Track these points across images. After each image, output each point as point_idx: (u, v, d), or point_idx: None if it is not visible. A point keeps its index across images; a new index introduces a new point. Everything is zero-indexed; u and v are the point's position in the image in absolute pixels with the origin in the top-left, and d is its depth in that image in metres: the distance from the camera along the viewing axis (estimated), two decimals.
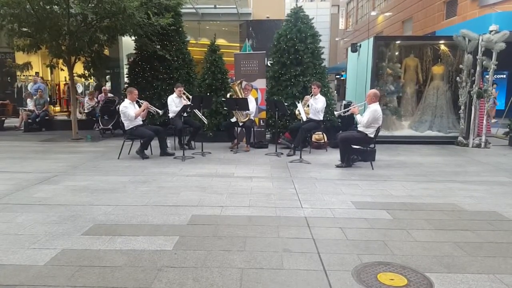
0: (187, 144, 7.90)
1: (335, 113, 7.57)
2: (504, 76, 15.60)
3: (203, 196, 4.54)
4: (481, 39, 8.18)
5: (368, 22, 27.52)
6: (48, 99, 12.19)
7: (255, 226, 3.57)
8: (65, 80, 17.11)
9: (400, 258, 2.92)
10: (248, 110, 7.58)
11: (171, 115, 7.73)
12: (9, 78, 17.04)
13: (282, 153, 7.36)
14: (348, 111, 6.80)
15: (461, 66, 8.54)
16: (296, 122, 7.92)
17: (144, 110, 7.03)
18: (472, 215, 3.95)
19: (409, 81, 9.39)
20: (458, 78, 8.67)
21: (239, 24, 21.27)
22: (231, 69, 9.48)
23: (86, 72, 9.89)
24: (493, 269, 2.75)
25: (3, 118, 11.95)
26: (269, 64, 9.42)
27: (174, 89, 7.93)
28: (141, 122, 7.12)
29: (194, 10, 17.77)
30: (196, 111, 7.46)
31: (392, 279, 2.60)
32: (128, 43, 13.73)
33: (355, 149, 6.29)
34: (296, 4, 8.67)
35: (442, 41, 9.29)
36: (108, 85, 16.94)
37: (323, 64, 8.88)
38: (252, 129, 8.09)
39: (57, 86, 17.91)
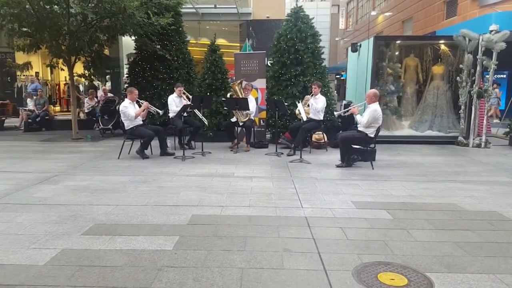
0: (187, 144, 7.90)
1: (335, 113, 7.57)
2: (504, 76, 15.59)
3: (203, 196, 4.54)
4: (481, 39, 8.18)
5: (368, 22, 27.52)
6: (45, 98, 12.17)
7: (255, 226, 3.56)
8: (65, 80, 17.12)
9: (400, 258, 2.92)
10: (248, 110, 7.58)
11: (171, 115, 7.73)
12: (9, 78, 17.04)
13: (282, 153, 7.36)
14: (348, 111, 6.80)
15: (461, 66, 8.54)
16: (296, 122, 7.91)
17: (144, 110, 7.03)
18: (473, 215, 3.95)
19: (409, 81, 9.39)
20: (458, 78, 8.67)
21: (239, 24, 21.27)
22: (231, 69, 9.48)
23: (86, 72, 9.89)
24: (493, 269, 2.75)
25: (3, 118, 11.95)
26: (269, 64, 9.42)
27: (174, 89, 7.93)
28: (141, 122, 7.12)
29: (194, 10, 17.76)
30: (196, 111, 7.46)
31: (392, 279, 2.60)
32: (128, 43, 13.73)
33: (355, 149, 6.29)
34: (296, 4, 8.67)
35: (442, 41, 9.29)
36: (108, 85, 16.94)
37: (323, 64, 8.88)
38: (252, 129, 8.09)
39: (57, 86, 17.93)
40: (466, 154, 7.64)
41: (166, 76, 9.99)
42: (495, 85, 13.91)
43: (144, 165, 6.35)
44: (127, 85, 10.48)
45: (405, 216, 3.88)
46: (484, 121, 8.57)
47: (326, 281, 2.57)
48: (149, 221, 3.67)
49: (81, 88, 15.45)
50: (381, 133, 6.63)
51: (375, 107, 6.04)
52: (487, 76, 8.51)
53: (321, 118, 7.59)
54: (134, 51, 10.43)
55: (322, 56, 8.87)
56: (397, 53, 9.33)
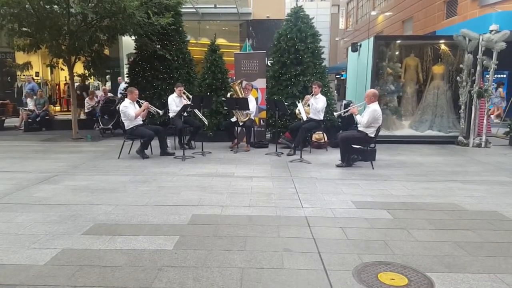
0: (187, 144, 7.90)
1: (335, 114, 7.55)
2: (505, 75, 15.57)
3: (204, 195, 4.54)
4: (481, 39, 8.17)
5: (369, 21, 27.52)
6: (45, 98, 12.17)
7: (256, 225, 3.56)
8: (65, 80, 17.12)
9: (400, 257, 2.92)
10: (248, 109, 7.58)
11: (171, 114, 7.72)
12: (9, 78, 17.05)
13: (282, 153, 7.36)
14: (347, 111, 6.79)
15: (461, 65, 8.54)
16: (296, 121, 7.91)
17: (144, 110, 7.03)
18: (473, 215, 3.95)
19: (410, 81, 9.39)
20: (458, 78, 8.66)
21: (239, 24, 21.29)
22: (231, 69, 9.48)
23: (86, 71, 9.89)
24: (494, 269, 2.75)
25: (3, 118, 11.95)
26: (269, 64, 9.41)
27: (174, 88, 7.92)
28: (141, 122, 7.11)
29: (194, 10, 17.77)
30: (196, 111, 7.46)
31: (392, 279, 2.60)
32: (128, 42, 13.74)
33: (356, 148, 6.29)
34: (296, 4, 8.66)
35: (442, 41, 9.28)
36: (108, 85, 16.96)
37: (323, 64, 8.88)
38: (252, 128, 8.09)
39: (57, 86, 17.93)
40: (466, 154, 7.64)
41: (166, 76, 9.99)
42: (499, 85, 13.90)
43: (144, 165, 6.35)
44: (126, 84, 10.47)
45: (405, 216, 3.88)
46: (484, 121, 8.57)
47: (326, 281, 2.57)
48: (149, 221, 3.67)
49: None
50: (381, 133, 6.63)
51: (375, 107, 6.03)
52: (487, 76, 8.51)
53: (321, 118, 7.59)
54: (134, 51, 10.43)
55: (322, 56, 8.87)
56: (397, 53, 9.33)
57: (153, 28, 9.03)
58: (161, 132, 7.10)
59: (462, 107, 8.67)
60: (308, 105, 7.61)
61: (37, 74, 16.98)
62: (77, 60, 9.46)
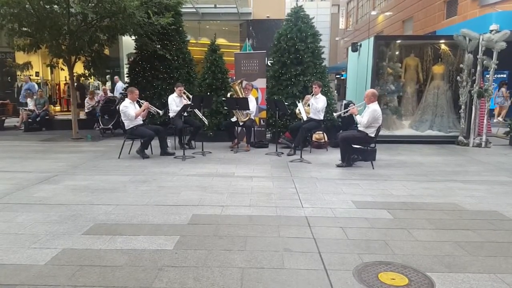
0: (188, 144, 7.90)
1: (334, 114, 7.54)
2: (505, 75, 15.57)
3: (204, 195, 4.54)
4: (481, 39, 8.17)
5: (369, 21, 27.51)
6: (46, 98, 12.17)
7: (256, 225, 3.56)
8: (65, 80, 17.12)
9: (401, 257, 2.91)
10: (249, 109, 7.57)
11: (171, 114, 7.72)
12: (9, 77, 17.05)
13: (282, 153, 7.36)
14: (347, 111, 6.79)
15: (461, 65, 8.54)
16: (296, 121, 7.91)
17: (144, 110, 7.03)
18: (473, 215, 3.95)
19: (410, 81, 9.39)
20: (458, 78, 8.66)
21: (239, 24, 21.29)
22: (231, 69, 9.48)
23: (86, 71, 9.89)
24: (494, 269, 2.75)
25: (3, 118, 11.95)
26: (269, 64, 9.41)
27: (175, 88, 7.92)
28: (141, 122, 7.11)
29: (194, 10, 17.77)
30: (197, 111, 7.46)
31: (393, 279, 2.59)
32: (128, 42, 13.74)
33: (356, 148, 6.29)
34: (297, 4, 8.66)
35: (442, 41, 9.28)
36: (108, 85, 16.95)
37: (323, 64, 8.88)
38: (253, 128, 8.08)
39: (57, 86, 17.93)
40: (466, 154, 7.64)
41: (166, 76, 10.00)
42: (502, 85, 13.88)
43: (144, 164, 6.35)
44: (123, 84, 10.46)
45: (405, 216, 3.88)
46: (485, 120, 8.56)
47: (326, 281, 2.57)
48: (149, 221, 3.67)
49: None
50: (381, 132, 6.63)
51: (375, 107, 6.03)
52: (488, 76, 8.51)
53: (322, 117, 7.59)
54: (134, 51, 10.43)
55: (322, 55, 8.86)
56: (397, 52, 9.33)
57: (153, 28, 9.03)
58: (161, 132, 7.10)
59: (462, 107, 8.67)
60: (308, 105, 7.61)
61: (37, 74, 16.97)
62: (77, 60, 9.46)
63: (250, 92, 8.04)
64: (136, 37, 9.59)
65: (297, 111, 7.61)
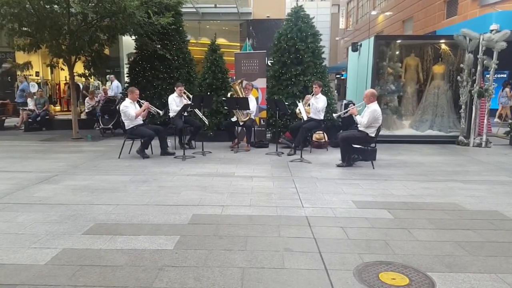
0: (188, 144, 7.90)
1: (334, 115, 7.51)
2: (505, 75, 15.57)
3: (204, 195, 4.54)
4: (482, 38, 8.17)
5: (369, 21, 27.52)
6: (46, 98, 12.17)
7: (256, 225, 3.56)
8: (65, 80, 17.12)
9: (401, 257, 2.91)
10: (249, 109, 7.57)
11: (171, 114, 7.72)
12: (9, 77, 17.04)
13: (282, 153, 7.35)
14: (347, 112, 6.79)
15: (461, 65, 8.53)
16: (296, 121, 7.91)
17: (144, 110, 7.02)
18: (473, 215, 3.94)
19: (410, 81, 9.38)
20: (458, 78, 8.66)
21: (239, 24, 21.30)
22: (231, 69, 9.48)
23: (86, 71, 9.89)
24: (495, 269, 2.74)
25: (3, 118, 11.95)
26: (269, 64, 9.41)
27: (175, 88, 7.92)
28: (142, 122, 7.11)
29: (194, 10, 17.77)
30: (197, 110, 7.46)
31: (393, 279, 2.59)
32: (128, 42, 13.74)
33: (356, 148, 6.29)
34: (297, 4, 8.65)
35: (442, 41, 9.28)
36: (108, 85, 16.93)
37: (323, 64, 8.87)
38: (253, 128, 8.08)
39: (57, 86, 17.93)
40: (466, 154, 7.64)
41: (166, 76, 10.00)
42: (506, 85, 13.85)
43: (144, 164, 6.35)
44: (126, 84, 10.45)
45: (406, 216, 3.87)
46: (485, 120, 8.56)
47: (327, 280, 2.56)
48: (149, 221, 3.67)
49: (80, 87, 15.38)
50: (381, 132, 6.63)
51: (374, 107, 6.03)
52: (488, 76, 8.50)
53: (322, 117, 7.58)
54: (134, 51, 10.43)
55: (323, 55, 8.86)
56: (397, 52, 9.33)
57: (153, 28, 9.03)
58: (162, 132, 7.10)
59: (463, 106, 8.67)
60: (309, 105, 7.61)
61: (37, 74, 16.97)
62: (77, 60, 9.46)
63: (250, 92, 8.04)
64: (136, 37, 9.59)
65: (297, 111, 7.61)
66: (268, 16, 19.34)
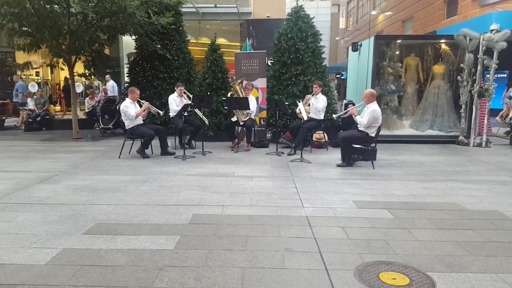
0: (188, 144, 7.90)
1: (334, 116, 7.50)
2: (505, 75, 15.56)
3: (204, 195, 4.54)
4: (482, 38, 8.16)
5: (369, 21, 27.51)
6: (46, 97, 12.16)
7: (256, 225, 3.56)
8: (65, 80, 17.10)
9: (402, 257, 2.91)
10: (249, 109, 7.57)
11: (171, 114, 7.72)
12: (9, 77, 17.02)
13: (282, 153, 7.35)
14: (346, 112, 6.79)
15: (462, 65, 8.53)
16: (296, 121, 7.91)
17: (144, 110, 7.02)
18: (474, 214, 3.94)
19: (410, 81, 9.38)
20: (459, 77, 8.65)
21: (239, 24, 21.29)
22: (231, 68, 9.47)
23: (86, 71, 9.89)
24: (495, 269, 2.74)
25: (4, 118, 11.95)
26: (269, 63, 9.40)
27: (175, 88, 7.92)
28: (142, 122, 7.11)
29: (194, 9, 17.77)
30: (197, 110, 7.46)
31: (394, 279, 2.59)
32: (128, 42, 13.73)
33: (356, 148, 6.29)
34: (297, 3, 8.65)
35: (443, 40, 9.28)
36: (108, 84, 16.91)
37: (323, 63, 8.87)
38: (253, 128, 8.08)
39: (57, 86, 17.91)
40: (467, 154, 7.63)
41: (166, 76, 10.00)
42: (511, 85, 13.81)
43: (144, 164, 6.35)
44: (126, 84, 10.45)
45: (406, 216, 3.87)
46: (485, 120, 8.56)
47: (327, 280, 2.56)
48: (150, 221, 3.67)
49: (81, 88, 15.34)
50: (381, 132, 6.63)
51: (374, 107, 6.03)
52: (488, 76, 8.50)
53: (322, 117, 7.58)
54: (135, 51, 10.42)
55: (323, 55, 8.86)
56: (397, 52, 9.33)
57: (153, 28, 9.03)
58: (162, 132, 7.10)
59: (463, 106, 8.66)
60: (309, 105, 7.61)
61: (37, 73, 16.95)
62: (77, 59, 9.45)
63: (251, 92, 8.04)
64: (136, 36, 9.58)
65: (297, 110, 7.60)
66: (268, 16, 19.33)
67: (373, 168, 6.09)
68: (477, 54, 8.25)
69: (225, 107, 8.53)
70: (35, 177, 5.36)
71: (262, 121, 8.77)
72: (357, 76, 10.01)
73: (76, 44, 8.65)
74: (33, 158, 6.86)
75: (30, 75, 16.05)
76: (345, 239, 3.26)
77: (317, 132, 8.02)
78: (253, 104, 7.76)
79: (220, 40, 18.74)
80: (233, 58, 9.09)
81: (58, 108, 16.84)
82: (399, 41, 9.56)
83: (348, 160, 6.25)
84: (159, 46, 9.57)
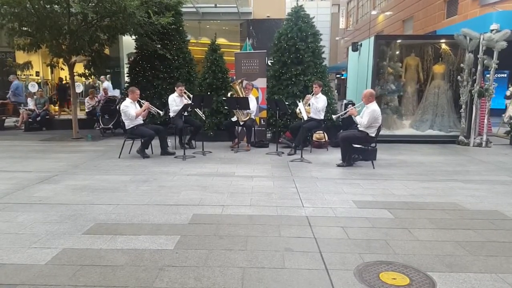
0: (188, 143, 7.89)
1: (333, 116, 7.48)
2: (505, 75, 15.56)
3: (204, 195, 4.54)
4: (482, 38, 8.16)
5: (369, 21, 27.51)
6: (46, 97, 12.15)
7: (256, 225, 3.56)
8: (66, 80, 17.09)
9: (402, 257, 2.91)
10: (249, 109, 7.57)
11: (172, 114, 7.72)
12: (9, 77, 17.01)
13: (283, 152, 7.35)
14: (346, 113, 6.79)
15: (462, 65, 8.53)
16: (297, 121, 7.91)
17: (145, 110, 7.02)
18: (474, 214, 3.94)
19: (410, 80, 9.38)
20: (459, 77, 8.65)
21: (239, 23, 21.28)
22: (231, 68, 9.47)
23: (86, 71, 9.88)
24: (495, 269, 2.74)
25: (4, 118, 11.94)
26: (269, 63, 9.40)
27: (175, 88, 7.92)
28: (142, 122, 7.11)
29: (194, 9, 17.76)
30: (198, 110, 7.46)
31: (394, 278, 2.59)
32: (128, 42, 13.74)
33: (356, 148, 6.29)
34: (297, 3, 8.65)
35: (443, 40, 9.28)
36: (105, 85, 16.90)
37: (323, 63, 8.87)
38: (253, 128, 8.08)
39: (57, 86, 17.88)
40: (467, 153, 7.63)
41: (166, 76, 10.00)
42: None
43: (144, 164, 6.35)
44: (127, 84, 10.44)
45: (406, 216, 3.87)
46: (485, 120, 8.56)
47: (327, 280, 2.56)
48: (150, 221, 3.66)
49: (81, 88, 15.32)
50: (382, 132, 6.62)
51: (374, 107, 6.03)
52: (488, 76, 8.50)
53: (322, 117, 7.58)
54: (135, 51, 10.42)
55: (323, 55, 8.86)
56: (397, 52, 9.33)
57: (153, 28, 9.03)
58: (162, 132, 7.10)
59: (463, 106, 8.66)
60: (309, 105, 7.61)
61: (37, 73, 16.95)
62: (77, 59, 9.45)
63: (251, 92, 8.04)
64: (137, 36, 9.59)
65: (297, 110, 7.60)
66: (268, 16, 19.33)
67: (373, 168, 6.08)
68: (477, 54, 8.25)
69: (225, 107, 8.53)
70: (35, 177, 5.36)
71: (262, 121, 8.77)
72: (357, 76, 10.01)
73: (76, 44, 8.65)
74: (33, 158, 6.86)
75: (30, 75, 16.04)
76: (345, 239, 3.26)
77: (317, 132, 8.02)
78: (253, 104, 7.76)
79: (220, 40, 18.75)
80: (233, 58, 9.08)
81: (58, 108, 16.84)
82: (399, 41, 9.56)
83: (348, 160, 6.25)
84: (159, 46, 9.57)
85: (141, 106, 7.06)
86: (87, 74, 9.99)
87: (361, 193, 4.69)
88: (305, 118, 7.21)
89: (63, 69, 10.07)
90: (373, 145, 6.36)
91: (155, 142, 7.13)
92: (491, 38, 8.06)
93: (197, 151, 7.40)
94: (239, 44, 20.26)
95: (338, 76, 33.49)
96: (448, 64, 9.13)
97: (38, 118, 11.10)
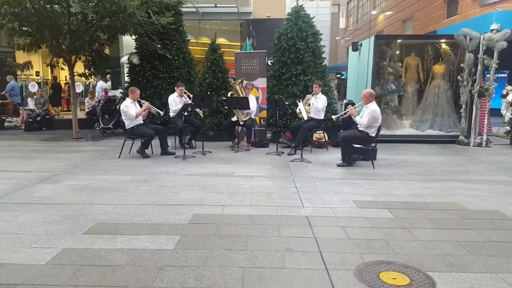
0: (188, 143, 7.89)
1: (333, 117, 7.47)
2: (505, 75, 15.55)
3: (204, 195, 4.54)
4: (482, 38, 8.16)
5: (369, 21, 27.51)
6: (46, 97, 12.15)
7: (257, 225, 3.56)
8: (66, 80, 17.10)
9: (402, 257, 2.91)
10: (249, 109, 7.57)
11: (172, 114, 7.72)
12: (7, 77, 17.01)
13: (283, 152, 7.35)
14: (345, 113, 6.79)
15: (462, 65, 8.52)
16: (297, 121, 7.91)
17: (145, 110, 7.02)
18: (474, 214, 3.94)
19: (410, 80, 9.38)
20: (459, 77, 8.65)
21: (239, 23, 21.29)
22: (231, 68, 9.47)
23: (86, 71, 9.88)
24: (495, 268, 2.74)
25: (4, 118, 11.95)
26: (269, 63, 9.39)
27: (175, 88, 7.92)
28: (142, 121, 7.11)
29: (194, 9, 17.77)
30: (198, 110, 7.46)
31: (394, 278, 2.59)
32: (128, 42, 13.73)
33: (356, 148, 6.28)
34: (297, 3, 8.65)
35: (443, 40, 9.27)
36: (108, 84, 16.91)
37: (324, 63, 8.86)
38: (253, 128, 8.08)
39: (51, 85, 17.88)
40: (467, 153, 7.63)
41: (166, 76, 10.00)
42: None
43: (144, 164, 6.35)
44: (127, 84, 10.44)
45: (406, 215, 3.87)
46: (485, 120, 8.56)
47: (327, 280, 2.56)
48: (150, 221, 3.66)
49: (81, 87, 15.30)
50: (382, 132, 6.63)
51: (373, 107, 6.02)
52: (488, 75, 8.50)
53: (322, 117, 7.58)
54: (135, 51, 10.42)
55: (323, 55, 8.86)
56: (398, 52, 9.32)
57: (153, 28, 9.03)
58: (162, 132, 7.10)
59: (463, 106, 8.66)
60: (309, 105, 7.61)
61: (37, 73, 16.95)
62: (77, 59, 9.45)
63: (251, 92, 8.04)
64: (137, 36, 9.58)
65: (297, 110, 7.60)
66: (268, 16, 19.33)
67: (373, 168, 6.08)
68: (477, 54, 8.25)
69: (225, 107, 8.53)
70: (35, 177, 5.36)
71: (262, 121, 8.77)
72: (357, 76, 10.01)
73: (76, 44, 8.65)
74: (33, 158, 6.86)
75: (30, 75, 16.03)
76: (345, 239, 3.26)
77: (317, 132, 8.02)
78: (253, 104, 7.76)
79: (220, 40, 18.75)
80: (233, 58, 9.08)
81: (50, 106, 16.81)
82: (399, 40, 9.56)
83: (348, 160, 6.25)
84: (159, 46, 9.57)
85: (141, 106, 7.06)
86: (87, 74, 9.99)
87: (361, 193, 4.69)
88: (305, 118, 7.21)
89: (63, 69, 10.08)
90: (373, 145, 6.36)
91: (155, 142, 7.13)
92: (491, 38, 8.06)
93: (197, 151, 7.40)
94: (239, 44, 20.26)
95: (338, 76, 33.49)
96: (448, 64, 9.13)
97: (38, 118, 11.10)
